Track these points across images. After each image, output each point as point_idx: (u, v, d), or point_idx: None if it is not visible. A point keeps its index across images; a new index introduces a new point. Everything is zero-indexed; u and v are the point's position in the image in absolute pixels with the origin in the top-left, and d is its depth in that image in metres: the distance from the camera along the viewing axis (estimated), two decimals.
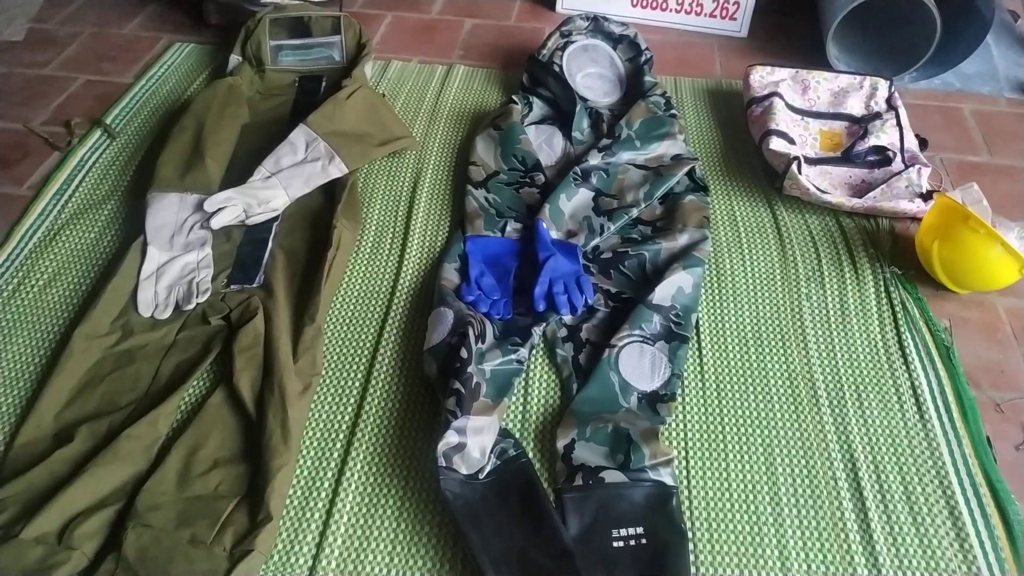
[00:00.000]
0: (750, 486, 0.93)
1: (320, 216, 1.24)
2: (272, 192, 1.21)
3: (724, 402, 1.02)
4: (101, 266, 1.19)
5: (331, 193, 1.27)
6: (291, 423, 0.93)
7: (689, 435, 0.98)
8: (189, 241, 1.17)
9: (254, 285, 1.12)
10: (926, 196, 1.26)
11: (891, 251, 1.23)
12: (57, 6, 1.89)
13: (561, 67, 1.49)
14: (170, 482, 0.89)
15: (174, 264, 1.14)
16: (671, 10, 1.79)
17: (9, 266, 1.19)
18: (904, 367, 1.07)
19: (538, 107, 1.45)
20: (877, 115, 1.41)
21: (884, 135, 1.36)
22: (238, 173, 1.27)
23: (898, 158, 1.35)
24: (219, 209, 1.17)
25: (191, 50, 1.70)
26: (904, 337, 1.10)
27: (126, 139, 1.45)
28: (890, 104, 1.43)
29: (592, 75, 1.52)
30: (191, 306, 1.09)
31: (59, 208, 1.30)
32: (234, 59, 1.52)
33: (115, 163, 1.39)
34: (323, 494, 0.92)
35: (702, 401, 1.02)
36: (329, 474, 0.94)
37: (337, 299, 1.15)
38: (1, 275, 1.18)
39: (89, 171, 1.37)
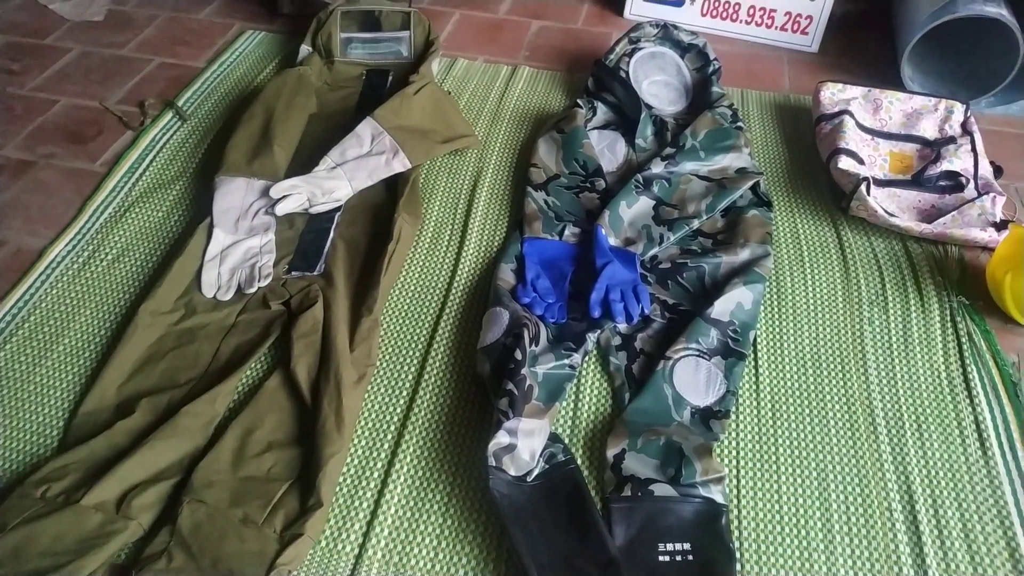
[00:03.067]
0: (802, 511, 0.91)
1: (381, 209, 1.25)
2: (336, 183, 1.22)
3: (779, 423, 1.00)
4: (168, 244, 1.22)
5: (393, 187, 1.28)
6: (345, 411, 0.94)
7: (741, 454, 0.97)
8: (253, 226, 1.19)
9: (315, 273, 1.14)
10: (999, 226, 1.22)
11: (959, 280, 1.19)
12: None
13: (628, 73, 1.48)
14: (225, 461, 0.91)
15: (238, 247, 1.16)
16: (741, 21, 1.77)
17: (80, 239, 1.23)
18: (968, 400, 1.03)
19: (602, 112, 1.45)
20: (951, 139, 1.37)
21: (957, 160, 1.33)
22: (303, 162, 1.29)
23: (971, 184, 1.31)
24: (284, 196, 1.19)
25: (262, 38, 1.73)
26: (969, 369, 1.07)
27: (196, 122, 1.48)
28: (965, 128, 1.39)
29: (658, 83, 1.51)
30: (253, 290, 1.11)
31: (130, 186, 1.33)
32: (304, 49, 1.55)
33: (185, 145, 1.42)
34: (372, 484, 0.93)
35: (756, 420, 1.00)
36: (379, 464, 0.95)
37: (394, 292, 1.16)
38: (73, 248, 1.22)
39: (160, 151, 1.41)
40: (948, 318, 1.14)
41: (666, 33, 1.54)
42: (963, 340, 1.11)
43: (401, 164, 1.28)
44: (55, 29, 1.78)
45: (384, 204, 1.26)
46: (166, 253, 1.21)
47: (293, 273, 1.15)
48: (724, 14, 1.77)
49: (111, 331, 1.09)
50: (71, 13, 1.84)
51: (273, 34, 1.75)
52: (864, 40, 1.78)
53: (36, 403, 1.00)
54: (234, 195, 1.22)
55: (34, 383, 1.03)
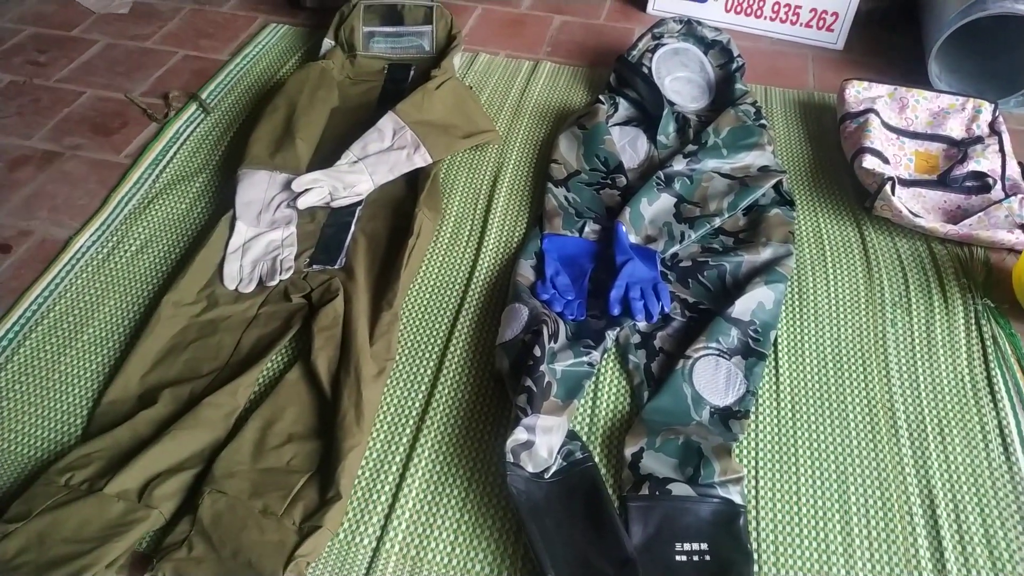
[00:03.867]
0: (821, 512, 0.91)
1: (402, 203, 1.25)
2: (358, 177, 1.23)
3: (799, 424, 0.99)
4: (191, 236, 1.23)
5: (414, 182, 1.28)
6: (365, 405, 0.95)
7: (761, 455, 0.96)
8: (275, 219, 1.20)
9: (336, 267, 1.15)
10: None
11: (985, 282, 1.18)
12: None
13: (650, 69, 1.47)
14: (246, 452, 0.92)
15: (260, 240, 1.17)
16: (766, 17, 1.75)
17: (105, 230, 1.25)
18: (992, 405, 1.02)
19: (624, 108, 1.44)
20: (978, 139, 1.35)
21: (985, 160, 1.31)
22: (325, 155, 1.30)
23: (998, 186, 1.29)
24: (306, 190, 1.20)
25: (285, 31, 1.74)
26: (994, 374, 1.05)
27: (219, 114, 1.49)
28: (993, 128, 1.37)
29: (681, 79, 1.50)
30: (274, 282, 1.12)
31: (154, 178, 1.34)
32: (327, 43, 1.55)
33: (208, 137, 1.43)
34: (390, 478, 0.93)
35: (776, 421, 1.00)
36: (397, 459, 0.95)
37: (414, 287, 1.16)
38: (97, 239, 1.23)
39: (183, 143, 1.42)
40: (972, 321, 1.12)
41: (689, 29, 1.53)
42: (988, 344, 1.09)
43: (422, 159, 1.28)
44: (81, 21, 1.80)
45: (405, 198, 1.27)
46: (189, 245, 1.22)
47: (314, 266, 1.15)
48: (748, 10, 1.75)
49: (134, 321, 1.11)
50: (97, 5, 1.85)
51: (296, 28, 1.75)
52: (891, 37, 1.75)
53: (61, 392, 1.02)
54: (256, 188, 1.23)
55: (59, 372, 1.04)
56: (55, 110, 1.52)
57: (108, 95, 1.57)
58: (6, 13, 1.82)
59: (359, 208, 1.24)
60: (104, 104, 1.54)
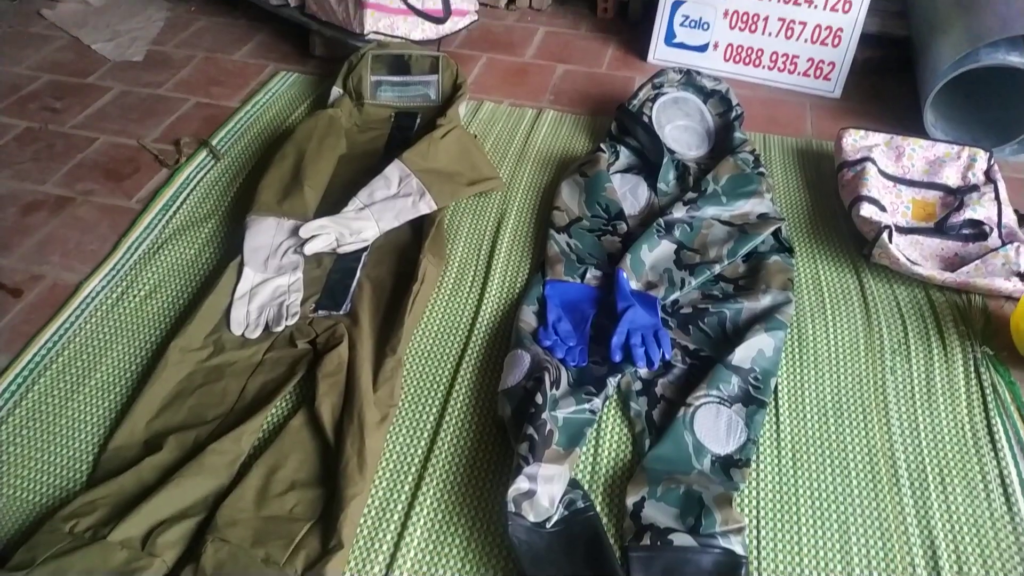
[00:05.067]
0: (823, 563, 0.91)
1: (407, 249, 1.28)
2: (364, 223, 1.25)
3: (800, 473, 1.00)
4: (199, 282, 1.25)
5: (419, 228, 1.31)
6: (367, 452, 0.96)
7: (762, 504, 0.96)
8: (282, 264, 1.22)
9: (341, 312, 1.16)
10: None
11: (983, 330, 1.19)
12: (175, 29, 2.02)
13: (651, 118, 1.50)
14: (249, 500, 0.93)
15: (267, 286, 1.19)
16: (764, 66, 1.79)
17: (114, 276, 1.27)
18: (992, 454, 1.02)
19: (624, 156, 1.47)
20: (974, 187, 1.37)
21: (981, 208, 1.33)
22: (333, 201, 1.32)
23: (995, 233, 1.31)
24: (313, 236, 1.22)
25: (295, 79, 1.79)
26: (994, 422, 1.06)
27: (229, 161, 1.52)
28: (989, 176, 1.39)
29: (681, 127, 1.53)
30: (280, 328, 1.13)
31: (163, 223, 1.37)
32: (335, 91, 1.59)
33: (218, 183, 1.46)
34: (392, 527, 0.94)
35: (777, 470, 1.00)
36: (399, 507, 0.96)
37: (417, 332, 1.18)
38: (107, 284, 1.25)
39: (193, 190, 1.45)
40: (972, 369, 1.13)
41: (689, 79, 1.57)
42: (987, 391, 1.10)
43: (427, 206, 1.30)
44: (96, 68, 1.85)
45: (410, 244, 1.29)
46: (197, 290, 1.24)
47: (320, 312, 1.17)
48: (747, 59, 1.80)
49: (142, 366, 1.12)
50: (112, 53, 1.91)
51: (305, 76, 1.80)
52: (887, 86, 1.79)
53: (67, 437, 1.03)
54: (264, 234, 1.25)
55: (66, 417, 1.05)
56: (69, 156, 1.56)
57: (121, 141, 1.60)
58: (24, 60, 1.88)
59: (365, 254, 1.26)
60: (117, 150, 1.58)
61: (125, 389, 1.09)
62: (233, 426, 1.00)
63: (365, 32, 1.68)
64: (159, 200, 1.42)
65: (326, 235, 1.22)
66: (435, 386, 1.10)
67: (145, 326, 1.18)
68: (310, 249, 1.21)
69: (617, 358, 1.09)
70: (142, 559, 0.86)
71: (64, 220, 1.40)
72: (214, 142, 1.56)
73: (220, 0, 2.13)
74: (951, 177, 1.40)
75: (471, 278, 1.27)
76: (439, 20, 1.77)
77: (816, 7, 1.71)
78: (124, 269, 1.28)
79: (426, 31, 1.76)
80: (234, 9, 2.08)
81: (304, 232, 1.22)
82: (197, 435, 1.01)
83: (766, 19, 1.75)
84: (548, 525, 0.90)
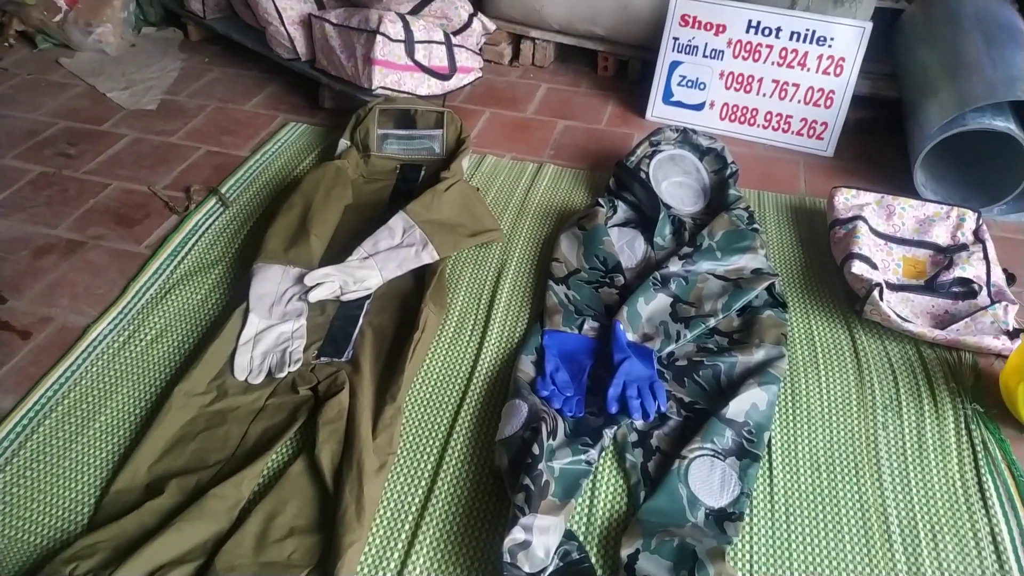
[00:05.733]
0: None
1: (409, 298, 1.31)
2: (368, 272, 1.28)
3: (792, 528, 1.01)
4: (204, 327, 1.28)
5: (421, 277, 1.34)
6: (366, 500, 0.97)
7: (755, 558, 0.97)
8: (287, 311, 1.25)
9: (343, 359, 1.19)
10: (1013, 334, 1.24)
11: (973, 387, 1.21)
12: (188, 80, 2.09)
13: (648, 174, 1.55)
14: (248, 546, 0.94)
15: (271, 332, 1.21)
16: (759, 125, 1.85)
17: (122, 319, 1.29)
18: (984, 511, 1.04)
19: (622, 210, 1.51)
20: (963, 246, 1.41)
21: (970, 267, 1.36)
22: (338, 250, 1.36)
23: (984, 292, 1.34)
24: (318, 284, 1.25)
25: (304, 130, 1.84)
26: (984, 479, 1.07)
27: (238, 208, 1.56)
28: (977, 236, 1.43)
29: (677, 183, 1.58)
30: (283, 374, 1.15)
31: (172, 268, 1.40)
32: (343, 143, 1.64)
33: (226, 230, 1.50)
34: (389, 574, 0.94)
35: (770, 524, 1.01)
36: (396, 555, 0.96)
37: (417, 380, 1.20)
38: (114, 327, 1.28)
39: (202, 236, 1.48)
40: (963, 426, 1.15)
41: (685, 137, 1.62)
42: (978, 448, 1.11)
43: (430, 256, 1.34)
44: (111, 116, 1.91)
45: (412, 293, 1.32)
46: (203, 335, 1.26)
47: (322, 359, 1.19)
48: (742, 118, 1.85)
49: (146, 409, 1.14)
50: (127, 101, 1.97)
51: (314, 127, 1.85)
52: (878, 145, 1.84)
53: (70, 479, 1.04)
54: (270, 281, 1.28)
55: (70, 459, 1.07)
56: (81, 200, 1.60)
57: (133, 187, 1.65)
58: (41, 107, 1.93)
59: (368, 302, 1.29)
60: (128, 196, 1.62)
61: (129, 432, 1.11)
62: (234, 471, 1.02)
63: (373, 87, 1.74)
64: (168, 246, 1.45)
65: (330, 283, 1.25)
66: (433, 434, 1.12)
67: (150, 370, 1.20)
68: (314, 297, 1.24)
69: (613, 409, 1.10)
70: None
71: (75, 264, 1.43)
72: (223, 190, 1.61)
73: (233, 52, 2.20)
74: (941, 236, 1.44)
75: (471, 327, 1.30)
76: (444, 77, 1.83)
77: (809, 70, 1.77)
78: (132, 313, 1.31)
79: (432, 87, 1.82)
80: (246, 61, 2.15)
81: (309, 280, 1.25)
82: (199, 479, 1.02)
83: (760, 81, 1.81)
84: None
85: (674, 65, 1.87)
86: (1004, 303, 1.28)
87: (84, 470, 1.05)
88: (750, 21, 1.78)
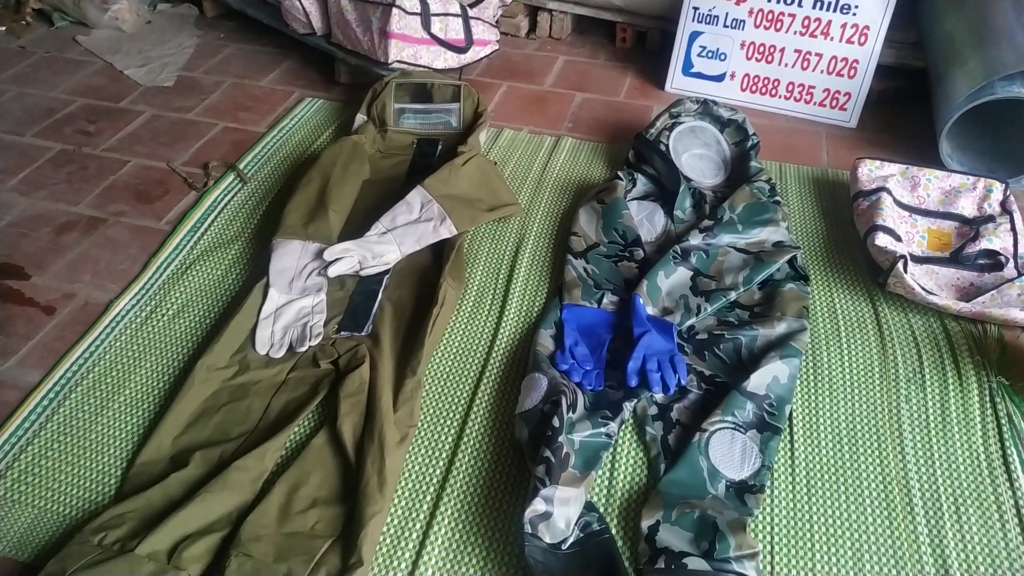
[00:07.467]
0: None
1: (427, 273, 1.31)
2: (386, 247, 1.28)
3: (814, 499, 1.01)
4: (225, 302, 1.29)
5: (439, 252, 1.34)
6: (387, 471, 0.98)
7: (776, 530, 0.97)
8: (306, 286, 1.25)
9: (363, 333, 1.19)
10: None
11: (999, 360, 1.19)
12: (205, 56, 2.08)
13: (668, 146, 1.53)
14: (272, 516, 0.95)
15: (291, 307, 1.22)
16: (780, 96, 1.82)
17: (144, 295, 1.30)
18: (1008, 484, 1.03)
19: (642, 183, 1.49)
20: (990, 218, 1.39)
21: (997, 239, 1.34)
22: (356, 225, 1.36)
23: (1011, 264, 1.32)
24: (337, 259, 1.25)
25: (320, 105, 1.83)
26: (1009, 452, 1.06)
27: (256, 184, 1.57)
28: (1005, 207, 1.40)
29: (697, 156, 1.56)
30: (304, 348, 1.16)
31: (192, 244, 1.41)
32: (360, 118, 1.63)
33: (244, 206, 1.50)
34: (411, 545, 0.95)
35: (791, 496, 1.01)
36: (418, 525, 0.97)
37: (436, 354, 1.20)
38: (137, 303, 1.29)
39: (221, 212, 1.49)
40: (987, 398, 1.14)
41: (706, 108, 1.60)
42: (1003, 421, 1.10)
43: (448, 230, 1.33)
44: (129, 93, 1.91)
45: (430, 268, 1.32)
46: (224, 310, 1.27)
47: (342, 333, 1.20)
48: (763, 89, 1.82)
49: (169, 384, 1.15)
50: (144, 79, 1.97)
51: (331, 102, 1.85)
52: (902, 116, 1.81)
53: (97, 452, 1.06)
54: (289, 256, 1.29)
55: (96, 432, 1.08)
56: (101, 178, 1.61)
57: (151, 164, 1.65)
58: (60, 85, 1.94)
59: (386, 277, 1.29)
60: (147, 172, 1.63)
61: (153, 406, 1.12)
62: (257, 444, 1.03)
63: (389, 61, 1.72)
64: (188, 222, 1.46)
65: (349, 258, 1.25)
66: (453, 407, 1.12)
67: (173, 344, 1.22)
68: (334, 272, 1.24)
69: (633, 383, 1.10)
70: (168, 572, 0.88)
71: (96, 240, 1.44)
72: (241, 166, 1.61)
73: (249, 28, 2.19)
74: (967, 207, 1.42)
75: (489, 302, 1.30)
76: (461, 50, 1.81)
77: (832, 39, 1.74)
78: (153, 289, 1.32)
79: (448, 60, 1.80)
80: (262, 37, 2.14)
81: (328, 255, 1.25)
82: (222, 452, 1.04)
83: (782, 51, 1.78)
84: (564, 547, 0.92)
85: (694, 35, 1.84)
86: None
87: (110, 443, 1.07)
88: None
